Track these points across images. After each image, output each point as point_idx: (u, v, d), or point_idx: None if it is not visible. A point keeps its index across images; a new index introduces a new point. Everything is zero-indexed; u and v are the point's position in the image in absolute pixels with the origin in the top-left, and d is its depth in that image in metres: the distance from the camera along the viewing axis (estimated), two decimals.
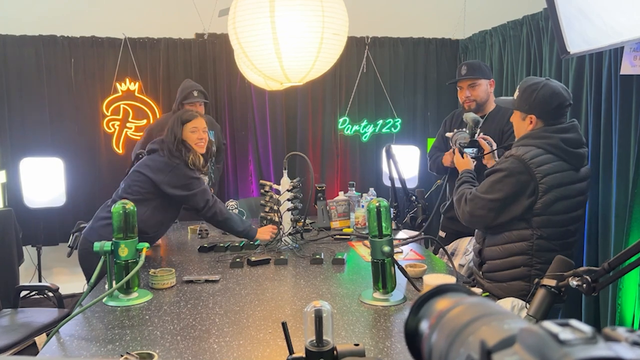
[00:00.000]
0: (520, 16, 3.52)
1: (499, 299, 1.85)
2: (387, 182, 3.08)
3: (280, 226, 2.59)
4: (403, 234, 2.87)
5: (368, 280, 1.94)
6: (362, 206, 3.04)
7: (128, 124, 4.21)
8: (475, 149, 2.45)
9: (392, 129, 4.56)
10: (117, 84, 4.16)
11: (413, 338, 0.50)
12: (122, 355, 1.33)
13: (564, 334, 0.33)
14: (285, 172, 2.64)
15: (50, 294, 3.03)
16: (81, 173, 4.13)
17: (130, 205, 1.92)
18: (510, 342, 0.36)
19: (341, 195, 3.16)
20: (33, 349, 2.47)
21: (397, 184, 2.74)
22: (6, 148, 4.00)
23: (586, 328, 0.34)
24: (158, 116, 4.16)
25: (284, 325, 1.08)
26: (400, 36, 4.55)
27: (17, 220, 3.33)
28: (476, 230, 2.21)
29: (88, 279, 2.35)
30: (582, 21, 2.21)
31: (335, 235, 2.82)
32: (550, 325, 0.34)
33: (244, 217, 3.02)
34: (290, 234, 2.62)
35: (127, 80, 4.18)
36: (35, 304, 3.56)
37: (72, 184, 4.04)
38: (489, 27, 4.02)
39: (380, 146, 4.32)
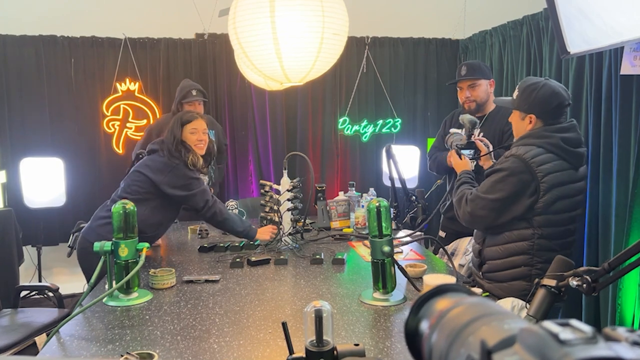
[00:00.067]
0: (520, 16, 3.52)
1: (499, 299, 1.85)
2: (387, 182, 3.08)
3: (280, 226, 2.59)
4: (403, 234, 2.87)
5: (368, 280, 1.94)
6: (362, 206, 3.04)
7: (128, 124, 4.21)
8: (472, 151, 2.44)
9: (392, 129, 4.56)
10: (117, 84, 4.16)
11: (413, 338, 0.50)
12: (122, 355, 1.33)
13: (564, 334, 0.33)
14: (285, 172, 2.64)
15: (50, 294, 3.03)
16: (81, 173, 4.13)
17: (130, 205, 1.92)
18: (510, 342, 0.36)
19: (341, 195, 3.16)
20: (33, 349, 2.47)
21: (397, 184, 2.74)
22: (6, 148, 4.00)
23: (586, 328, 0.34)
24: (158, 116, 4.16)
25: (284, 325, 1.08)
26: (400, 36, 4.55)
27: (17, 220, 3.34)
28: (475, 231, 2.20)
29: (87, 279, 2.36)
30: (582, 21, 2.21)
31: (335, 235, 2.82)
32: (550, 325, 0.34)
33: (244, 217, 3.02)
34: (290, 234, 2.62)
35: (127, 80, 4.18)
36: (35, 304, 3.56)
37: (72, 184, 4.04)
38: (489, 27, 4.02)
39: (380, 146, 4.32)
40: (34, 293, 3.69)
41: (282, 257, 2.36)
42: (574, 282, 1.29)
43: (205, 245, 2.59)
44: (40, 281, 3.96)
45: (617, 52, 2.45)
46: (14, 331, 2.44)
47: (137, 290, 1.89)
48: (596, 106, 2.67)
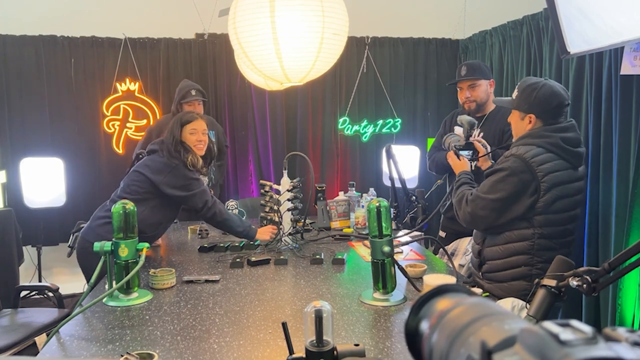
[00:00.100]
0: (520, 16, 3.52)
1: (499, 299, 1.85)
2: (387, 182, 3.08)
3: (280, 226, 2.59)
4: (402, 234, 2.86)
5: (368, 280, 1.94)
6: (362, 206, 3.04)
7: (128, 124, 4.21)
8: (470, 152, 2.44)
9: (392, 129, 4.56)
10: (117, 84, 4.16)
11: (413, 338, 0.50)
12: (122, 356, 1.33)
13: (565, 334, 0.33)
14: (285, 172, 2.64)
15: (50, 294, 3.03)
16: (81, 173, 4.13)
17: (130, 205, 1.92)
18: (510, 342, 0.36)
19: (341, 195, 3.16)
20: (33, 349, 2.47)
21: (397, 184, 2.74)
22: (6, 148, 4.00)
23: (587, 328, 0.34)
24: (158, 116, 4.16)
25: (284, 325, 1.08)
26: (400, 36, 4.55)
27: (17, 220, 3.34)
28: (474, 231, 2.20)
29: (87, 279, 2.36)
30: (582, 21, 2.21)
31: (335, 236, 2.82)
32: (550, 325, 0.34)
33: (244, 217, 3.02)
34: (290, 234, 2.62)
35: (127, 80, 4.18)
36: (35, 304, 3.56)
37: (72, 184, 4.04)
38: (489, 27, 4.02)
39: (380, 146, 4.32)
40: (34, 293, 3.69)
41: (282, 257, 2.36)
42: (574, 282, 1.29)
43: (205, 245, 2.59)
44: (40, 281, 3.96)
45: (617, 52, 2.45)
46: (14, 331, 2.44)
47: (137, 291, 1.89)
48: (596, 106, 2.67)
